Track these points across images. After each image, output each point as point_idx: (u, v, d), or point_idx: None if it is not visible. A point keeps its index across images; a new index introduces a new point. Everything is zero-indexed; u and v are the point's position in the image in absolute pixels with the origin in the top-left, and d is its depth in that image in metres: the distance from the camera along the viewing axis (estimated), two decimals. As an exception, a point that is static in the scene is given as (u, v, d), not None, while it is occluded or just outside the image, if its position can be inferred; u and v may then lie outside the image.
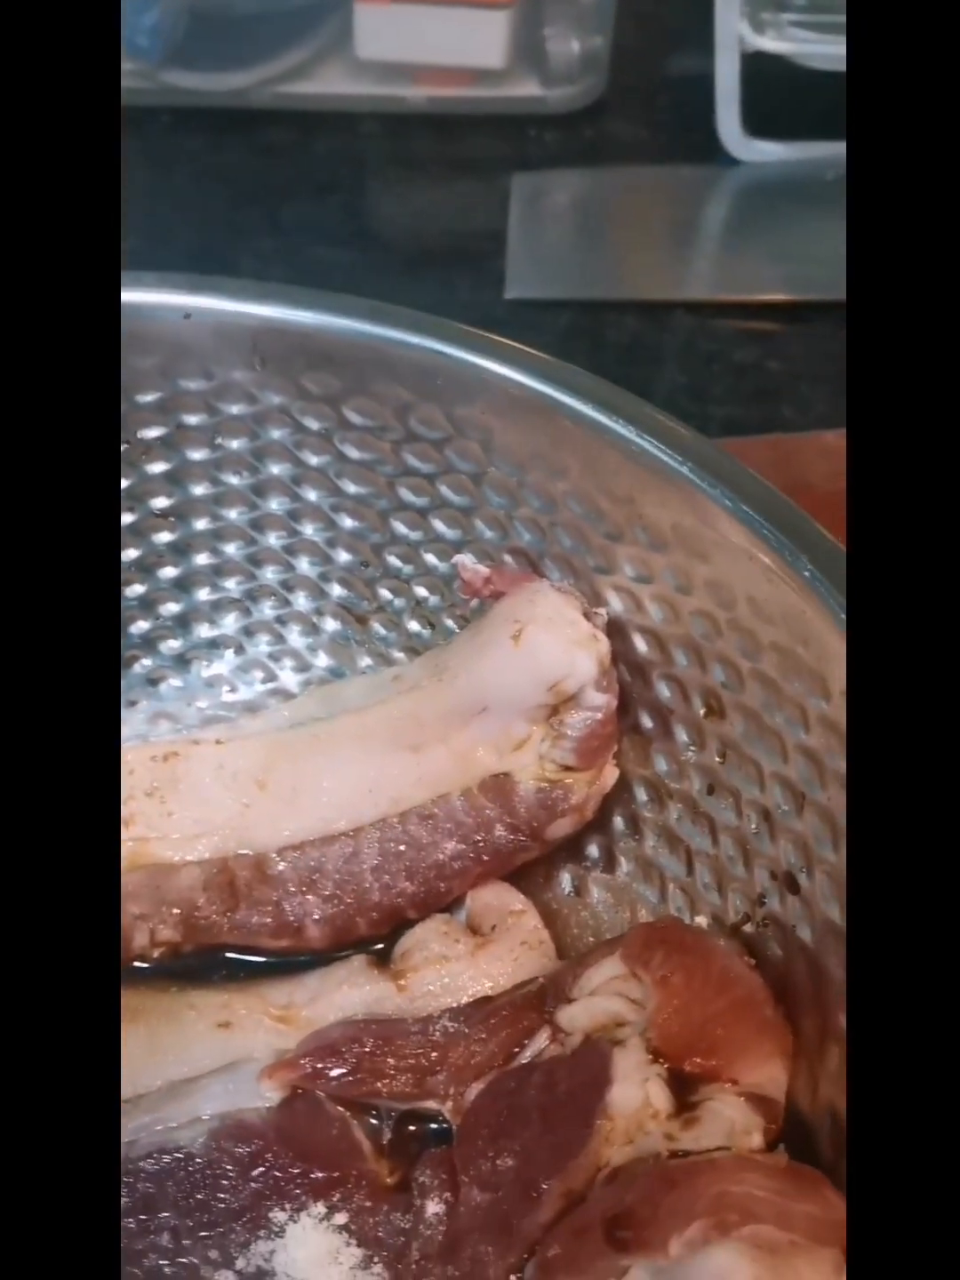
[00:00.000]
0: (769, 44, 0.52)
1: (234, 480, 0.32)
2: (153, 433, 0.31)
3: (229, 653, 0.34)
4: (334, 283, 0.52)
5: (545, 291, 0.52)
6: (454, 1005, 0.26)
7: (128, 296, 0.29)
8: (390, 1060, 0.24)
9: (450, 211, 0.58)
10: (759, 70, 0.54)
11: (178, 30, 0.55)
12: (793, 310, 0.51)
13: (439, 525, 0.31)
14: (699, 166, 0.57)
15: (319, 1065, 0.24)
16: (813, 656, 0.24)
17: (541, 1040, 0.24)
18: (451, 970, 0.27)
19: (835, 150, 0.52)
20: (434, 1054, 0.24)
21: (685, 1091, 0.22)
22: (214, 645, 0.34)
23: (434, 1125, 0.25)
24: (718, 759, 0.27)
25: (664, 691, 0.28)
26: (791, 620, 0.24)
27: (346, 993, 0.28)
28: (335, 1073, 0.24)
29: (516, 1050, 0.24)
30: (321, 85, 0.58)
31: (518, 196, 0.55)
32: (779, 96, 0.56)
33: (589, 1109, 0.21)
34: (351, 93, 0.58)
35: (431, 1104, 0.24)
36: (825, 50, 0.53)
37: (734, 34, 0.52)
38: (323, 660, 0.33)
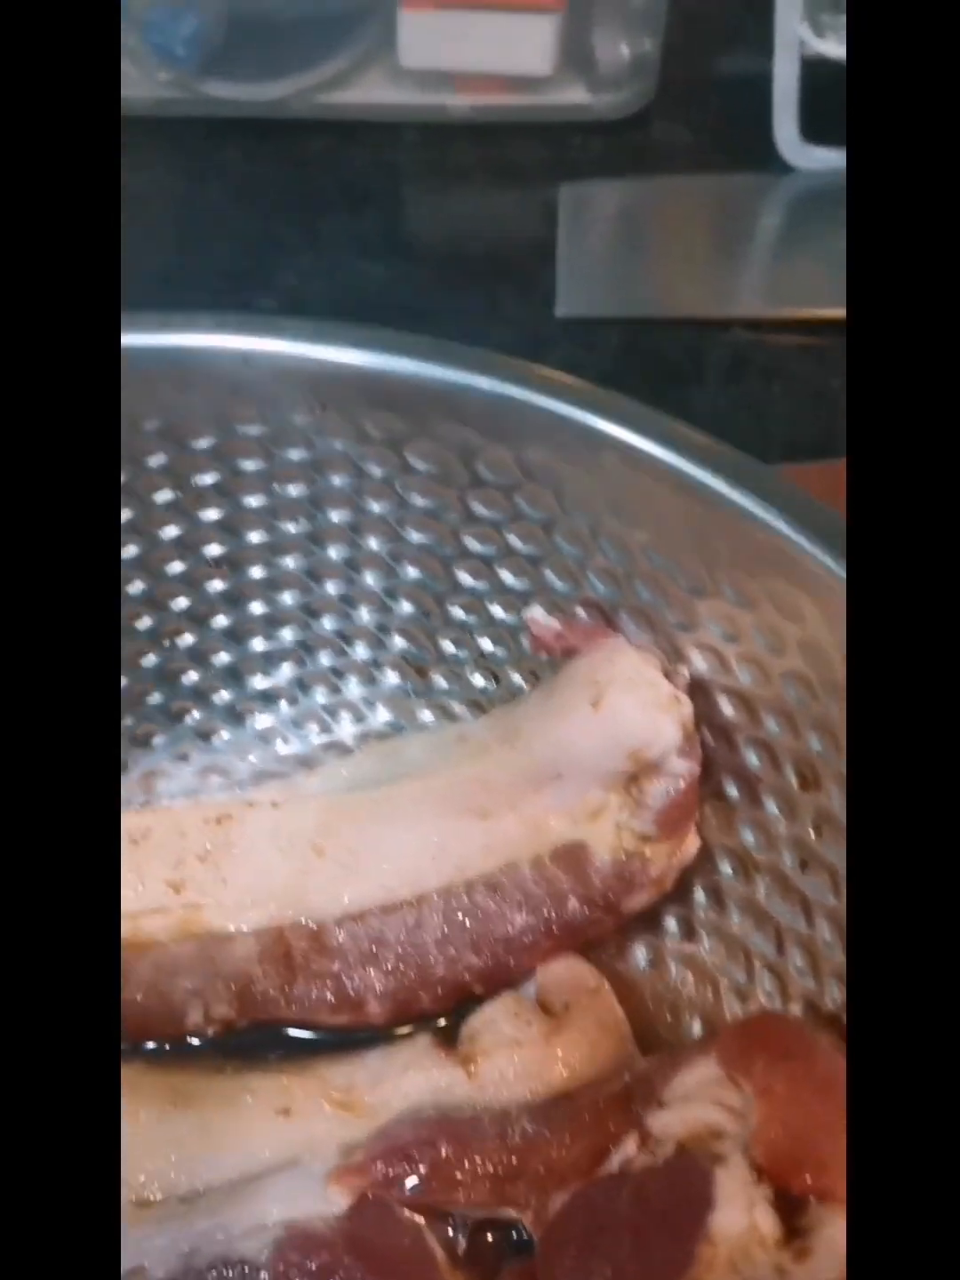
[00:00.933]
0: (830, 48, 0.50)
1: (291, 528, 0.30)
2: (207, 479, 0.29)
3: (283, 704, 0.32)
4: (374, 298, 0.51)
5: (596, 309, 0.50)
6: (528, 1095, 0.25)
7: (182, 340, 0.27)
8: (466, 1165, 0.23)
9: (493, 223, 0.56)
10: (815, 74, 0.52)
11: (216, 39, 0.54)
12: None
13: (506, 575, 0.29)
14: (753, 174, 0.55)
15: (390, 1171, 0.23)
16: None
17: (629, 1147, 0.22)
18: (524, 1056, 0.26)
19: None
20: (513, 1159, 0.23)
21: (793, 1214, 0.20)
22: (268, 697, 0.32)
23: (514, 1235, 0.23)
24: (812, 833, 0.25)
25: (752, 758, 0.26)
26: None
27: (412, 1078, 0.26)
28: (408, 1179, 0.23)
29: (602, 1157, 0.22)
30: (361, 94, 0.57)
31: (565, 208, 0.53)
32: (836, 101, 0.54)
33: (689, 1233, 0.20)
34: (392, 102, 0.57)
35: (511, 1212, 0.23)
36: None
37: (794, 36, 0.50)
38: (382, 714, 0.32)
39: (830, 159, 0.53)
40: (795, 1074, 0.21)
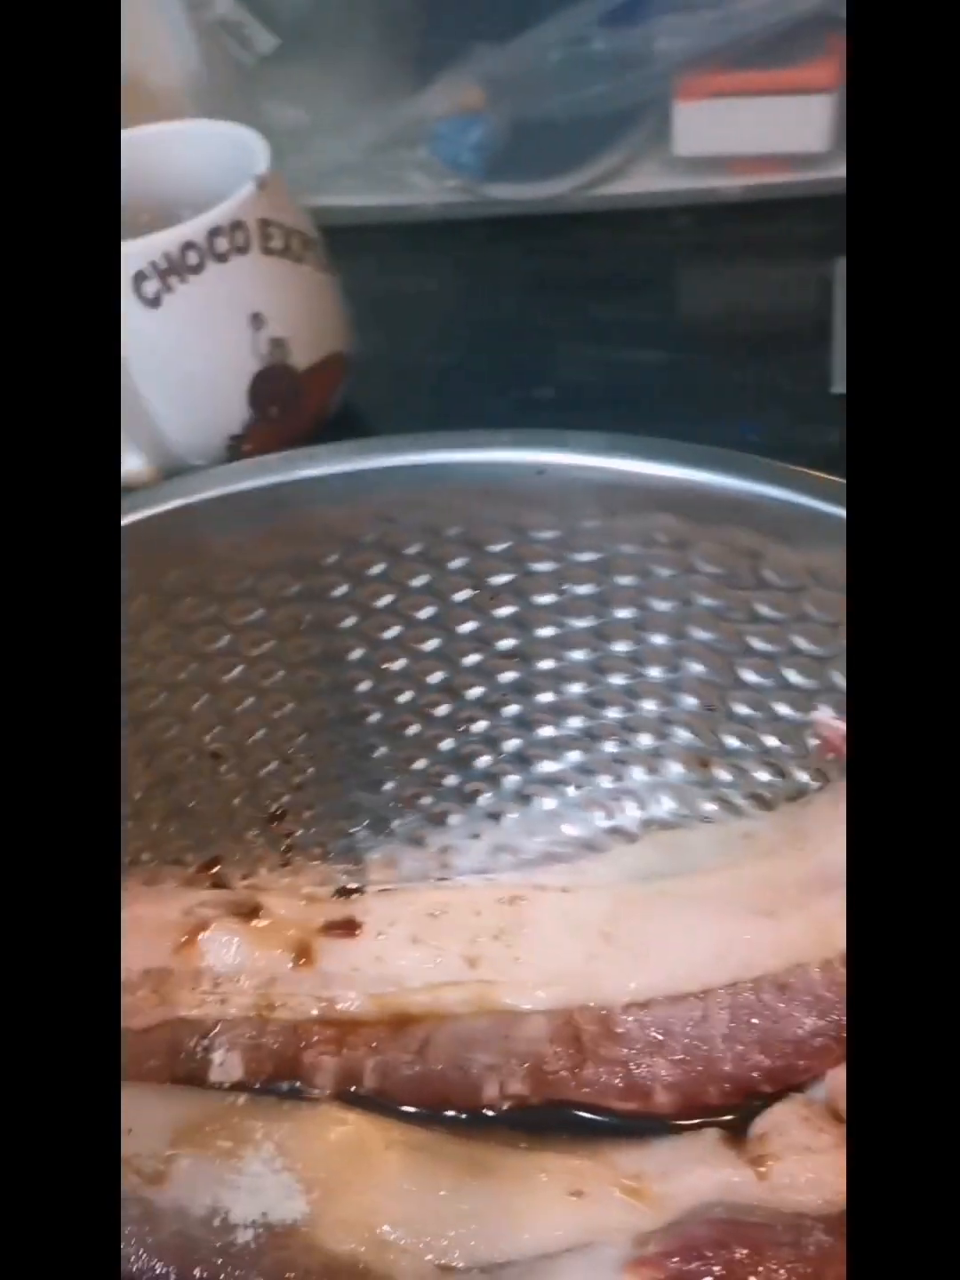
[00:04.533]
0: None
1: (579, 624, 0.32)
2: (501, 579, 0.31)
3: (570, 789, 0.34)
4: (649, 382, 0.53)
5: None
6: (822, 1203, 0.25)
7: (484, 456, 0.30)
8: (760, 1270, 0.23)
9: (766, 300, 0.56)
10: None
11: (500, 144, 0.57)
12: None
13: (791, 674, 0.30)
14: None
15: (685, 1268, 0.23)
16: None
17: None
18: (816, 1163, 0.25)
19: None
20: (809, 1270, 0.23)
21: None
22: (554, 782, 0.34)
23: (807, 1346, 0.23)
24: None
25: None
26: None
27: (702, 1173, 0.26)
28: (703, 1277, 0.23)
29: (902, 1277, 0.22)
30: (636, 184, 0.59)
31: (842, 282, 0.53)
32: None
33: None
34: (665, 188, 0.58)
35: (805, 1324, 0.23)
36: None
37: None
38: (665, 803, 0.32)
39: None
40: None
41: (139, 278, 0.39)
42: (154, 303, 0.40)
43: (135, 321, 0.40)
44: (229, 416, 0.43)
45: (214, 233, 0.40)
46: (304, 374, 0.44)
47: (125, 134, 0.45)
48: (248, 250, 0.41)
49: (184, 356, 0.41)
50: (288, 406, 0.44)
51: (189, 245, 0.40)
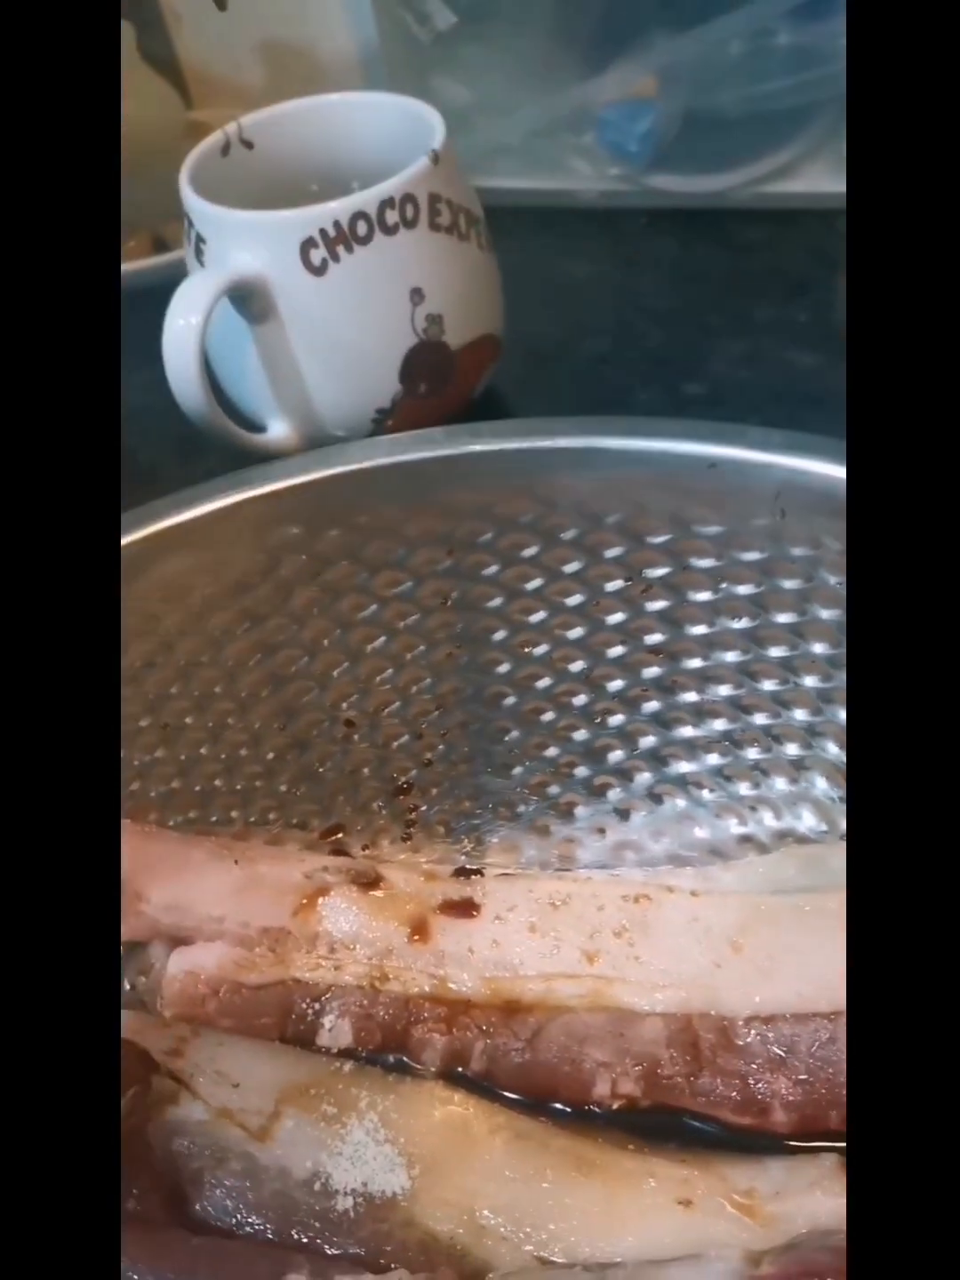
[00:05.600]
0: None
1: (734, 624, 0.31)
2: (658, 571, 0.31)
3: (705, 793, 0.33)
4: (801, 386, 0.51)
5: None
6: (947, 1246, 0.24)
7: (655, 445, 0.29)
8: (882, 1306, 0.22)
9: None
10: None
11: (669, 135, 0.56)
12: None
13: (956, 695, 0.28)
14: None
15: (806, 1293, 0.23)
16: None
17: None
18: (944, 1203, 0.24)
19: None
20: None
21: None
22: (689, 783, 0.33)
23: None
24: None
25: None
26: None
27: (818, 1198, 0.26)
28: (822, 1305, 0.22)
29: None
30: (803, 184, 0.57)
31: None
32: None
33: None
34: (832, 190, 0.57)
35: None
36: None
37: None
38: (806, 818, 0.32)
39: None
40: None
41: (307, 245, 0.39)
42: (320, 271, 0.40)
43: (299, 290, 0.40)
44: (379, 389, 0.43)
45: (386, 204, 0.40)
46: (458, 352, 0.44)
47: (303, 103, 0.46)
48: (416, 224, 0.41)
49: (343, 326, 0.41)
50: (437, 383, 0.44)
51: (360, 215, 0.40)
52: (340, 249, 0.40)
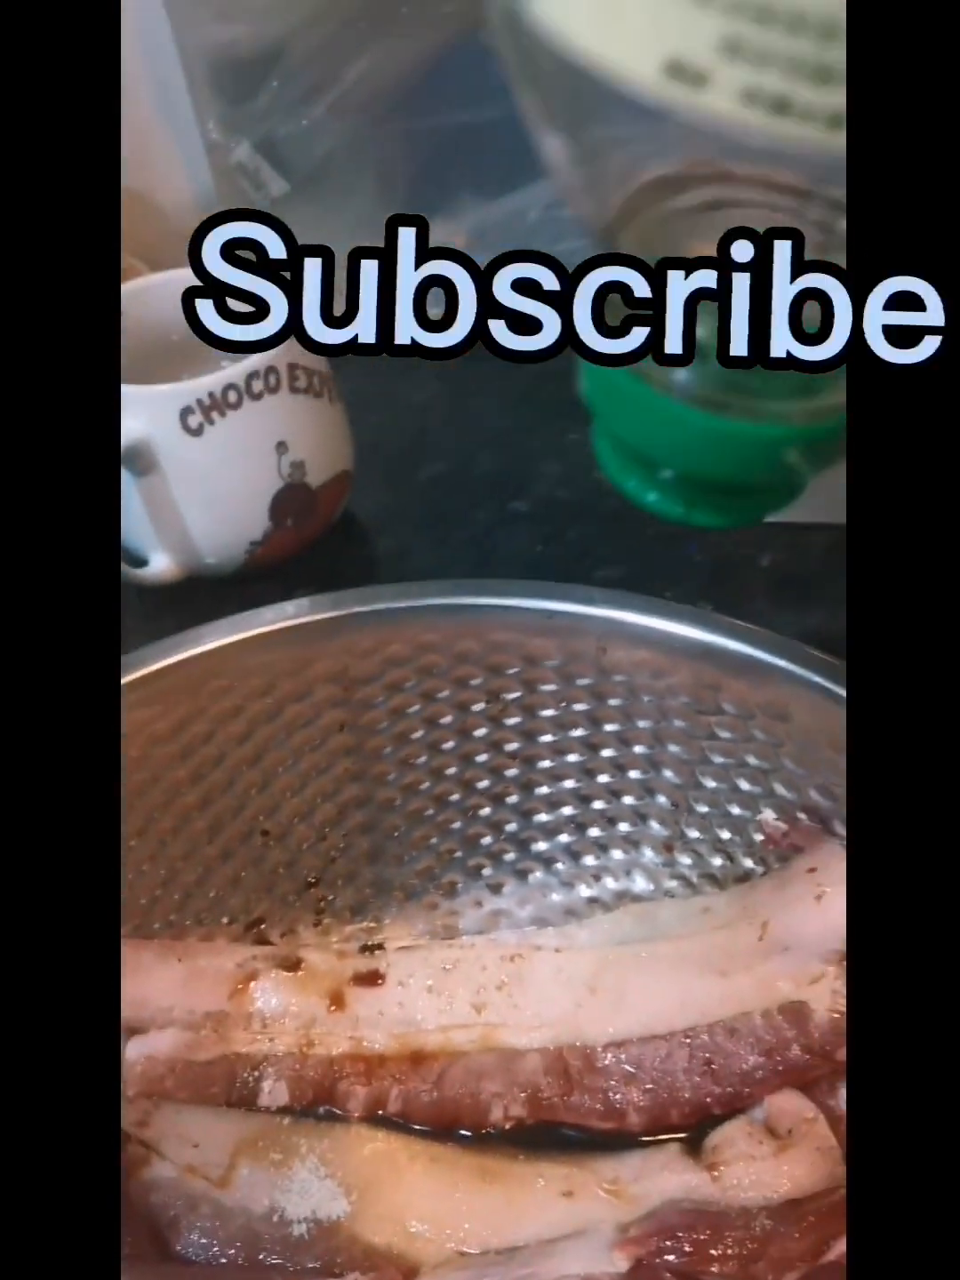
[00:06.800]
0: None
1: (573, 733, 0.39)
2: (512, 695, 0.39)
3: (559, 866, 0.41)
4: (609, 502, 0.60)
5: None
6: (762, 1199, 0.32)
7: (505, 601, 0.37)
8: (719, 1246, 0.30)
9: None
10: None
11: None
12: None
13: (742, 782, 0.38)
14: None
15: (664, 1243, 0.31)
16: None
17: (841, 1245, 0.29)
18: (758, 1168, 0.33)
19: None
20: (754, 1245, 0.30)
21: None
22: (545, 859, 0.41)
23: (754, 1305, 0.31)
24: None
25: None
26: None
27: (667, 1177, 0.34)
28: (676, 1252, 0.30)
29: (823, 1249, 0.30)
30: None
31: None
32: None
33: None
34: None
35: (752, 1287, 0.30)
36: None
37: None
38: (639, 881, 0.40)
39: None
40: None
41: (186, 412, 0.46)
42: (197, 433, 0.47)
43: (178, 448, 0.47)
44: (252, 526, 0.50)
45: (251, 376, 0.47)
46: (318, 490, 0.52)
47: (168, 275, 0.52)
48: (278, 390, 0.48)
49: (218, 477, 0.48)
50: (302, 518, 0.52)
51: (230, 387, 0.47)
52: (215, 414, 0.47)
